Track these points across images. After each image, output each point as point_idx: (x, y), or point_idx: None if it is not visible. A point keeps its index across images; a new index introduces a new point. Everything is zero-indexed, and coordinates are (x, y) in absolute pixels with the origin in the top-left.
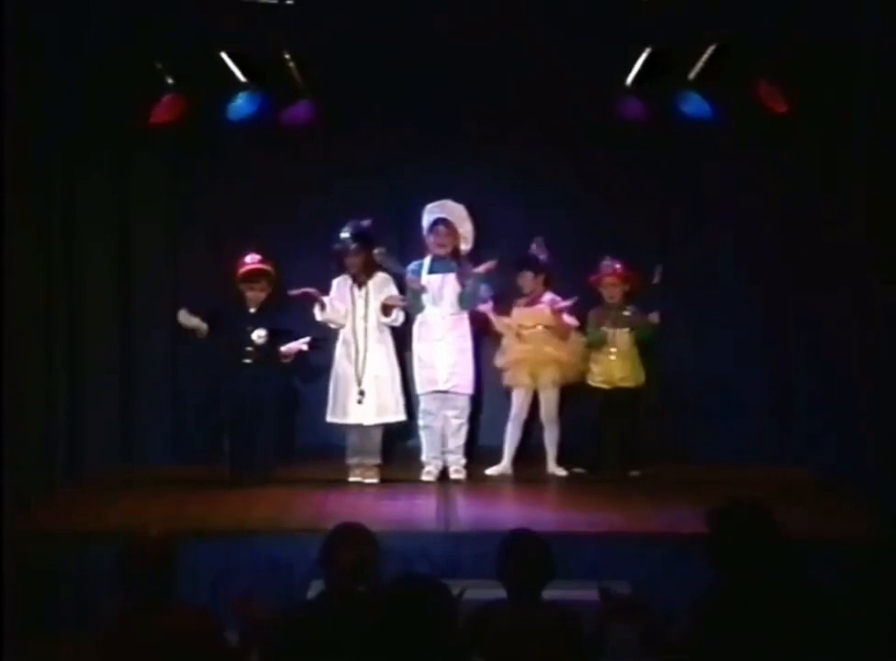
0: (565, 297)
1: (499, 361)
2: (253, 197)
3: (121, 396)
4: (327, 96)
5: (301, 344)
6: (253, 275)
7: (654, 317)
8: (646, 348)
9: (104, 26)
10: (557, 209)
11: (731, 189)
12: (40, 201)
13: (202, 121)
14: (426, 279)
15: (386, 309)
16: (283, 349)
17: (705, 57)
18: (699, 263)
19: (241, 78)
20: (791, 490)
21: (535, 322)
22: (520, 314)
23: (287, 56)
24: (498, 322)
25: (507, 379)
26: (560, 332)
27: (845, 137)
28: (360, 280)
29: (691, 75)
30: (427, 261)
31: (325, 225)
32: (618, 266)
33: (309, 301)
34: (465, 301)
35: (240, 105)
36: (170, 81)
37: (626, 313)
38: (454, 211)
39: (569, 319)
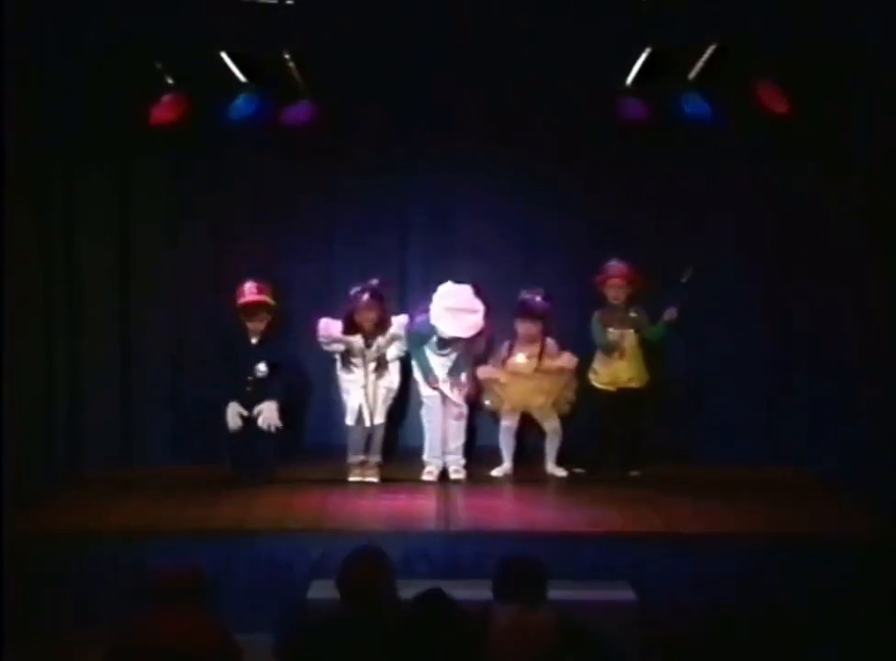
0: (562, 341)
1: (494, 394)
2: (253, 197)
3: (121, 396)
4: (327, 96)
5: (275, 414)
6: (251, 308)
7: (671, 313)
8: (651, 348)
9: (104, 26)
10: (557, 209)
11: (731, 189)
12: (40, 201)
13: (202, 121)
14: (432, 357)
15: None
16: (260, 421)
17: (705, 57)
18: (698, 262)
19: (241, 78)
20: (791, 490)
21: (533, 368)
22: (519, 363)
23: (287, 56)
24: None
25: (496, 408)
26: (557, 373)
27: (846, 137)
28: (369, 341)
29: (691, 75)
30: (434, 338)
31: (325, 225)
32: (624, 268)
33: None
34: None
35: (241, 105)
36: (170, 81)
37: (633, 314)
38: (462, 301)
39: (569, 361)
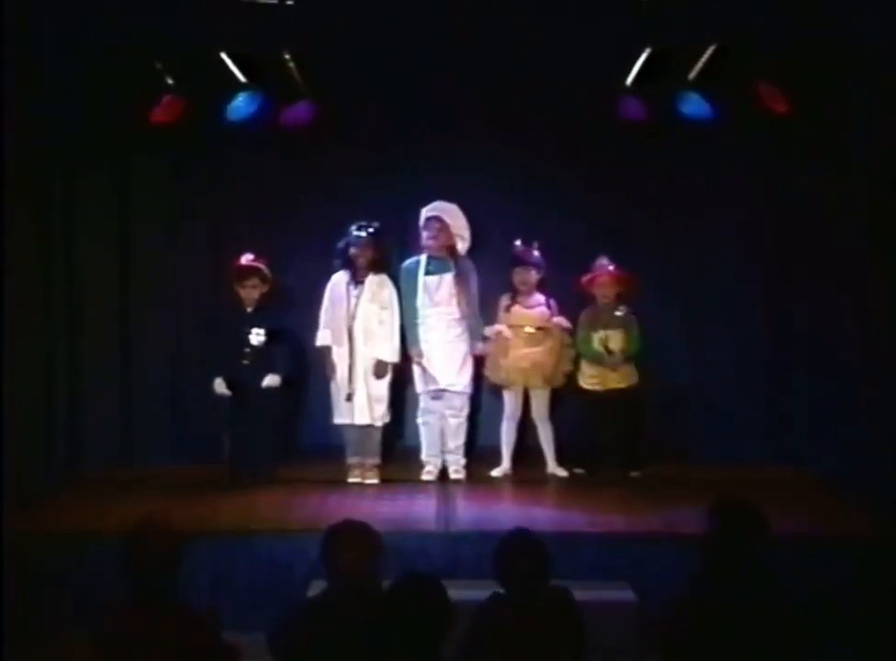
0: (549, 297)
1: (497, 362)
2: (253, 197)
3: (121, 396)
4: (327, 96)
5: (277, 380)
6: (244, 272)
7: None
8: (648, 348)
9: (104, 26)
10: (557, 209)
11: (731, 189)
12: (40, 201)
13: (202, 121)
14: (422, 280)
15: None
16: (264, 384)
17: (705, 57)
18: (699, 262)
19: (241, 78)
20: (791, 490)
21: (535, 323)
22: (520, 313)
23: (287, 56)
24: (498, 333)
25: (499, 380)
26: (553, 333)
27: (846, 137)
28: (359, 277)
29: (691, 75)
30: (423, 260)
31: (325, 225)
32: (612, 267)
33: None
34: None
35: (240, 105)
36: (170, 81)
37: (618, 313)
38: (447, 209)
39: (562, 321)
